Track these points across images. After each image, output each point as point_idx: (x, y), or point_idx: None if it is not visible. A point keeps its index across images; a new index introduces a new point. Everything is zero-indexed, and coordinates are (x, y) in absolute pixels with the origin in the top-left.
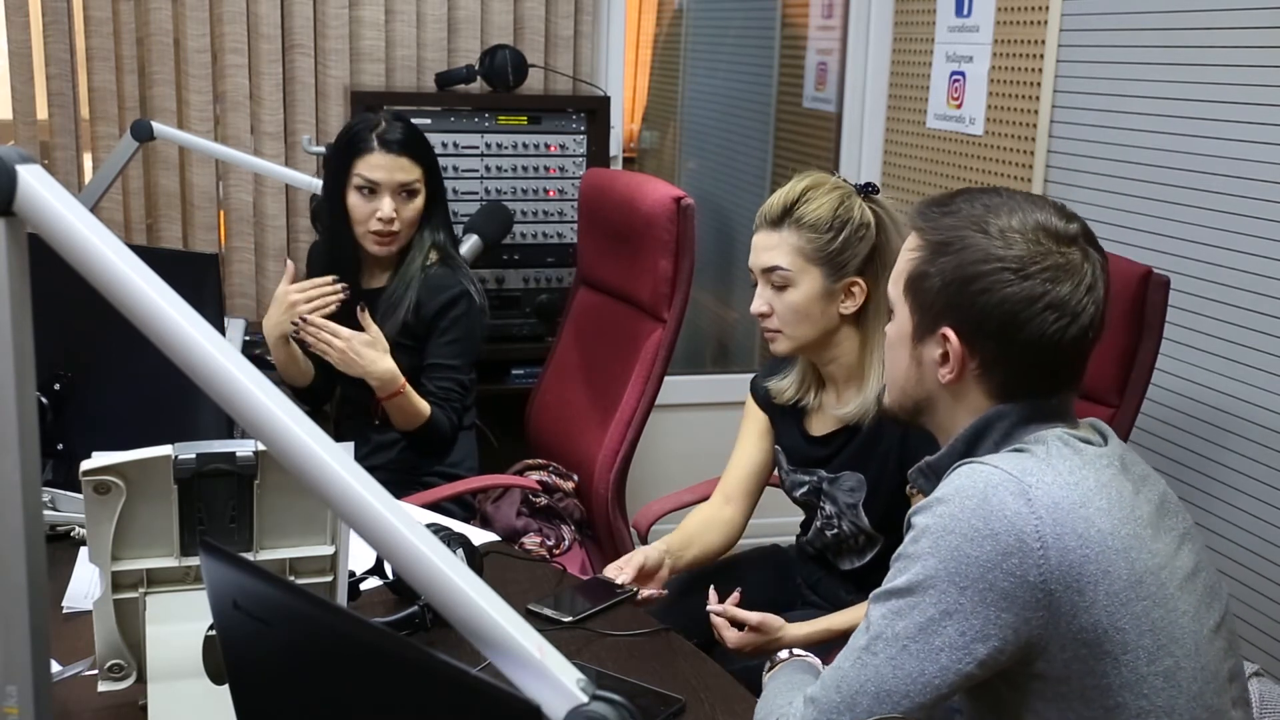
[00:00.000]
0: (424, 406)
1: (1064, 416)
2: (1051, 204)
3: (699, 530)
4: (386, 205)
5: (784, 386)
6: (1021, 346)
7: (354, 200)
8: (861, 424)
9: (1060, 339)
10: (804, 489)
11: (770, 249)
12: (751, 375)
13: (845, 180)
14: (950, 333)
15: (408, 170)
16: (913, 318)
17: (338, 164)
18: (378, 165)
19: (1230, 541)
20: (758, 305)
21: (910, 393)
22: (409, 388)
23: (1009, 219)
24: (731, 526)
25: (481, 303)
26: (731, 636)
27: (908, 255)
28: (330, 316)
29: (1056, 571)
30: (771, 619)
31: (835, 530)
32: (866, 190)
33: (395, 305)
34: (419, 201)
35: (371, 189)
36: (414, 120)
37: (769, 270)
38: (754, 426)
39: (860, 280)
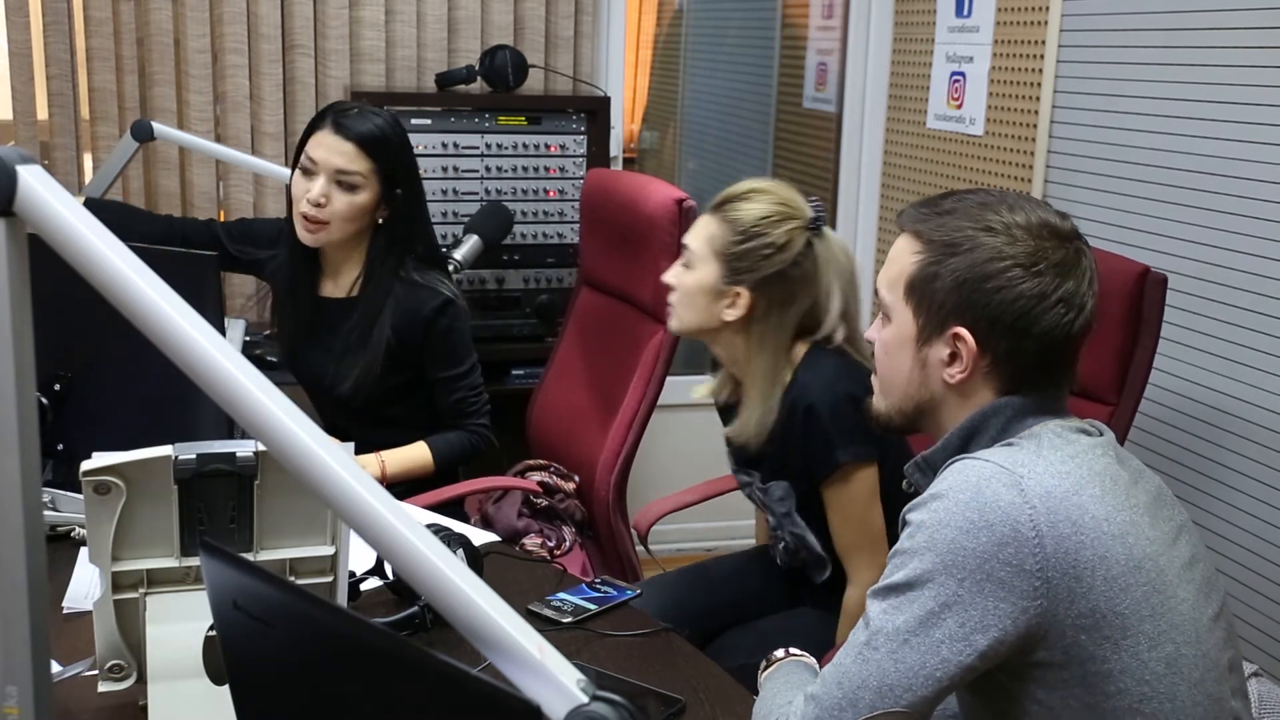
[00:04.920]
0: (421, 456)
1: (1058, 410)
2: (1041, 202)
3: None
4: (317, 186)
5: (709, 385)
6: (1033, 341)
7: (295, 178)
8: (750, 444)
9: (1069, 332)
10: (748, 488)
11: (695, 229)
12: None
13: (803, 207)
14: (963, 332)
15: (350, 159)
16: (917, 320)
17: (299, 143)
18: (320, 143)
19: (1229, 541)
20: (666, 275)
21: (913, 396)
22: (387, 456)
23: (1011, 216)
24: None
25: (460, 301)
26: None
27: (908, 258)
28: (295, 326)
29: (1053, 559)
30: None
31: (783, 543)
32: (814, 225)
33: (367, 326)
34: (359, 199)
35: (310, 168)
36: (414, 120)
37: (684, 247)
38: None
39: (746, 293)
